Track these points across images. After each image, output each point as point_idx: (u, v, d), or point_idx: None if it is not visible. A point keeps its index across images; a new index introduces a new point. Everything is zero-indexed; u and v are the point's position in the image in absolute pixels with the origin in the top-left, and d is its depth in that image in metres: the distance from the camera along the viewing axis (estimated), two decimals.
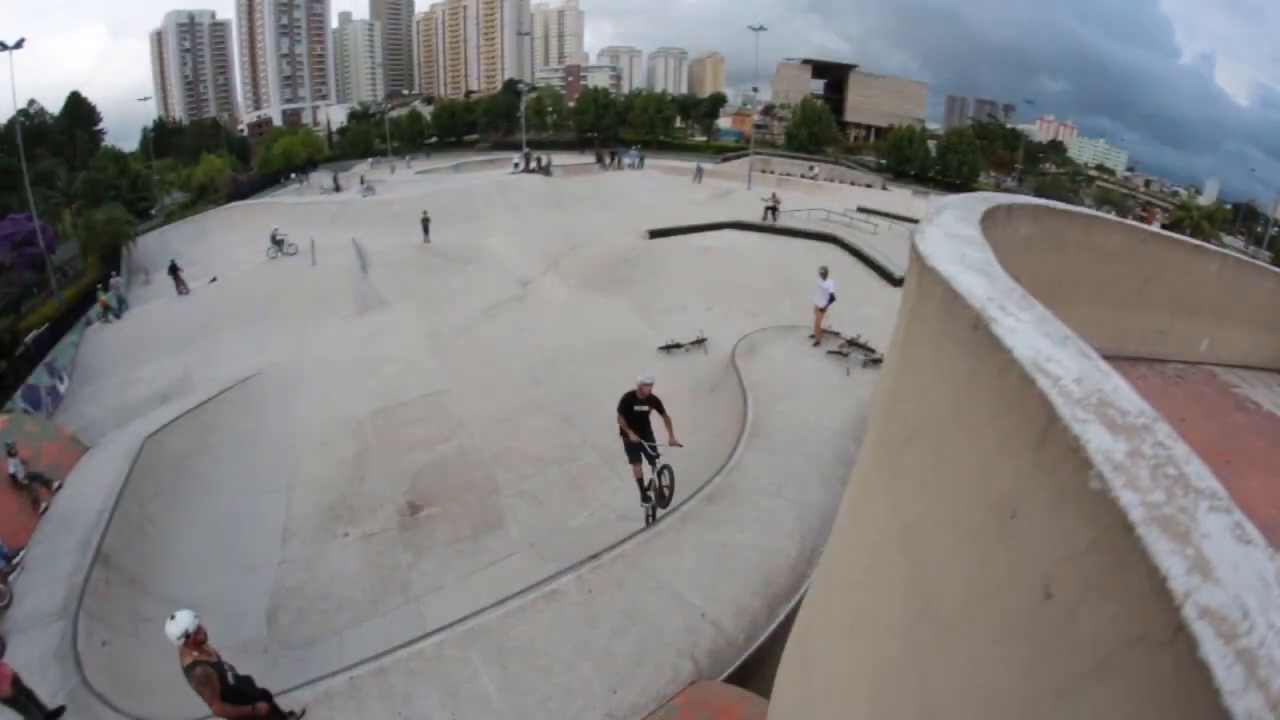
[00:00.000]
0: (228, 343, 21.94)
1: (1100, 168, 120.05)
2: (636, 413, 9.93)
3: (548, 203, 39.91)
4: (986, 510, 1.65)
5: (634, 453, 10.07)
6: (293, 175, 67.02)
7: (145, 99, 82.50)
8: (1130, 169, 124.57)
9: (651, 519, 10.32)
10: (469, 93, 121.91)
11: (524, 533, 12.20)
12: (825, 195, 48.62)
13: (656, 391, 9.95)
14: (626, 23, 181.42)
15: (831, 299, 16.91)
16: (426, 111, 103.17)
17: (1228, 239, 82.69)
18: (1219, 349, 8.68)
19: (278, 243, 31.11)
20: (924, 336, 2.36)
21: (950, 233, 2.76)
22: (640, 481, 10.31)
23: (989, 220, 4.21)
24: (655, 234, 30.97)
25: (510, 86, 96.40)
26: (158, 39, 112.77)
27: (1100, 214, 6.51)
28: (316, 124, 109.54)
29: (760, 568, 8.97)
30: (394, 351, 20.26)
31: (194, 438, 14.86)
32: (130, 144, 75.71)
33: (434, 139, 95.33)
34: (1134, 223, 6.92)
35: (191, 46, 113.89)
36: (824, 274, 17.15)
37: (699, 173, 55.02)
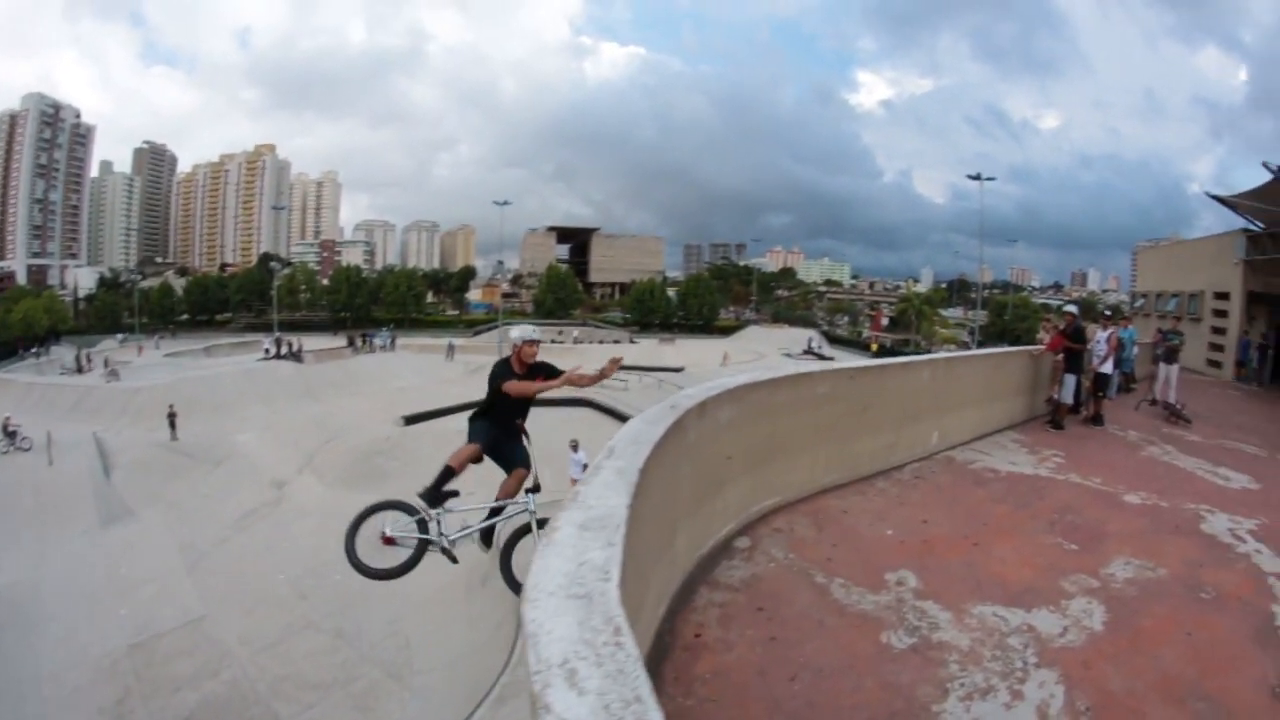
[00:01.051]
0: None
1: (829, 282, 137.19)
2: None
3: (299, 391, 38.76)
4: None
5: (483, 433, 6.35)
6: (34, 349, 62.22)
7: None
8: (855, 277, 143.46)
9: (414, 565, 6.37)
10: (224, 266, 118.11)
11: None
12: (576, 358, 50.20)
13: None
14: (383, 195, 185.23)
15: (585, 470, 17.42)
16: (179, 284, 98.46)
17: (947, 312, 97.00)
18: (951, 435, 9.51)
19: (10, 435, 28.21)
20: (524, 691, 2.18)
21: (588, 519, 2.56)
22: (451, 471, 6.21)
23: (680, 426, 4.51)
24: (410, 420, 30.66)
25: (265, 262, 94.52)
26: None
27: (807, 370, 7.05)
28: (63, 287, 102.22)
29: None
30: (145, 571, 18.36)
31: None
32: None
33: (185, 316, 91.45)
34: (842, 366, 7.79)
35: None
36: (574, 446, 17.78)
37: (451, 350, 56.37)
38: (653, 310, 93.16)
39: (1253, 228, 23.14)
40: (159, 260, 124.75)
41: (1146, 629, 5.13)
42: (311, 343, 56.38)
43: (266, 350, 50.75)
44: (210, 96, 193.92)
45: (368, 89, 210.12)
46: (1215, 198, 23.54)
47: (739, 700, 3.81)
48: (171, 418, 30.30)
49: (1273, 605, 5.65)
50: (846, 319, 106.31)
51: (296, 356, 47.98)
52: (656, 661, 4.05)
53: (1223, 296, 24.22)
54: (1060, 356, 11.94)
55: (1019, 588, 5.51)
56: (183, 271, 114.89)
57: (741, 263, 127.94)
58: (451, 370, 48.66)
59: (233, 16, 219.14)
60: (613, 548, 2.37)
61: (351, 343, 59.14)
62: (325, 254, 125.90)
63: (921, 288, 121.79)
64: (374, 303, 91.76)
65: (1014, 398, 11.90)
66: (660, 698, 3.51)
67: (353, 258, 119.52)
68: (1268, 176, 19.35)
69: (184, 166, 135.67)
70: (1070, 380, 11.88)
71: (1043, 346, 12.56)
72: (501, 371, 6.29)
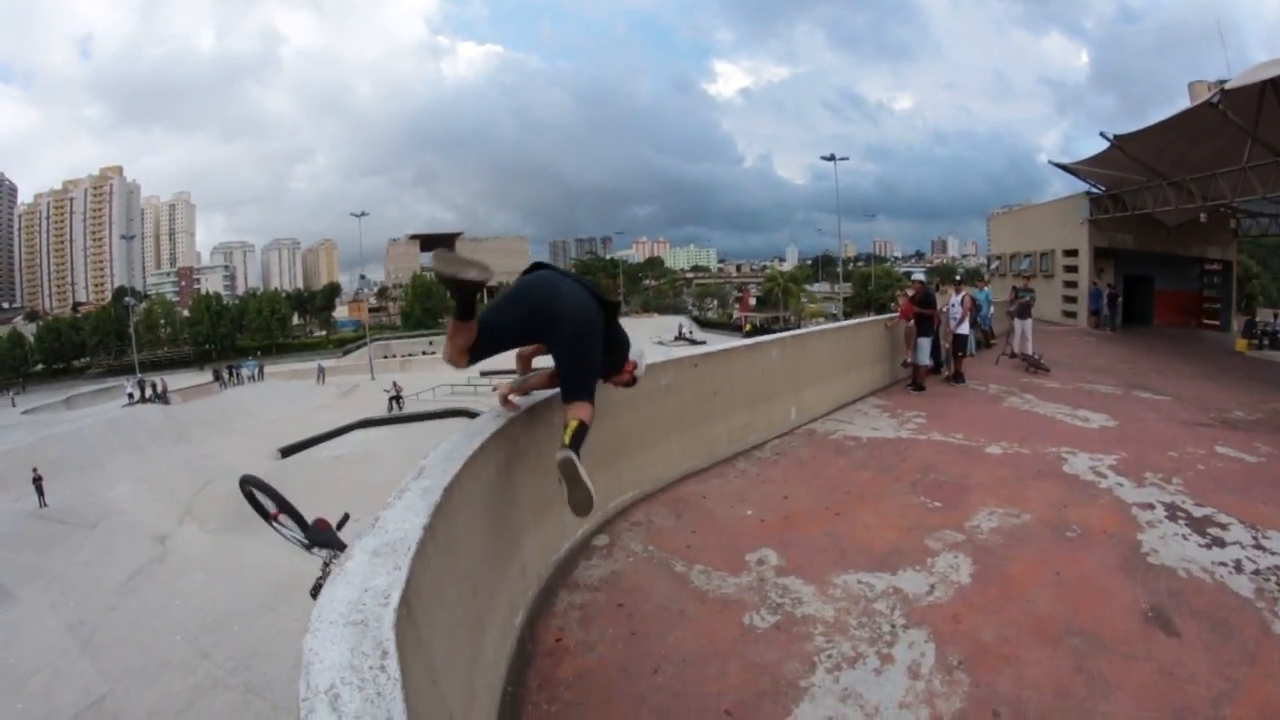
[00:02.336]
0: None
1: (696, 268, 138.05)
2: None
3: (170, 436, 36.46)
4: None
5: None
6: None
7: None
8: (722, 261, 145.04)
9: None
10: (77, 305, 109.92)
11: None
12: (448, 368, 49.72)
13: None
14: (240, 214, 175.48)
15: None
16: (29, 331, 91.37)
17: (813, 287, 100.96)
18: (810, 408, 9.60)
19: None
20: None
21: (381, 544, 2.48)
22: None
23: (505, 436, 4.33)
24: (286, 451, 29.86)
25: (120, 297, 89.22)
26: None
27: (641, 360, 7.25)
28: None
29: None
30: (35, 657, 16.79)
31: None
32: None
33: (40, 366, 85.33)
34: (685, 353, 7.65)
35: None
36: None
37: (321, 373, 55.08)
38: None
39: (1095, 191, 24.63)
40: (6, 306, 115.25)
41: (1015, 575, 5.17)
42: (176, 381, 53.85)
43: (130, 395, 47.96)
44: (50, 114, 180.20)
45: (219, 99, 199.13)
46: (1059, 165, 24.88)
47: (603, 700, 3.68)
48: (37, 482, 27.54)
49: (1138, 534, 5.84)
50: (715, 303, 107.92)
51: (162, 398, 45.75)
52: (520, 670, 3.90)
53: (1072, 254, 25.83)
54: (912, 323, 12.31)
55: (883, 552, 5.49)
56: (32, 316, 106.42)
57: (608, 256, 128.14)
58: (323, 395, 47.33)
59: (73, 22, 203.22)
60: (399, 571, 2.31)
61: (218, 377, 57.06)
62: (183, 283, 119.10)
63: (787, 266, 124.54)
64: (238, 331, 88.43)
65: (872, 366, 12.20)
66: (525, 706, 3.38)
67: (212, 284, 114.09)
68: (1105, 145, 20.67)
69: (25, 196, 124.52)
70: (925, 343, 12.28)
71: (896, 316, 12.93)
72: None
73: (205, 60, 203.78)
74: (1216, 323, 27.76)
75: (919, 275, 14.99)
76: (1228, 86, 15.48)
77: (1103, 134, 20.41)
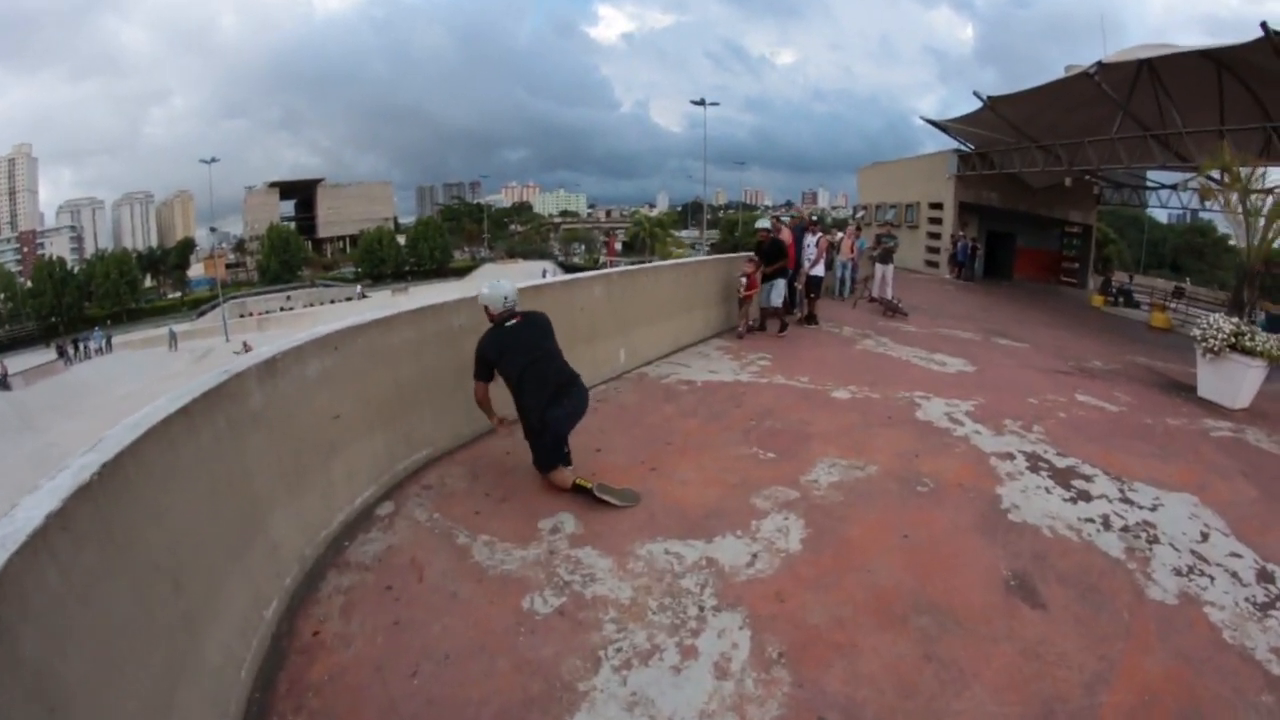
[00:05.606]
0: None
1: (565, 213, 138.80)
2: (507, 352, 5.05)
3: (13, 426, 33.11)
4: None
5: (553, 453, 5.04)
6: None
7: None
8: (592, 205, 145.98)
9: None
10: None
11: None
12: (307, 322, 47.56)
13: None
14: (89, 166, 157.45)
15: None
16: None
17: (681, 233, 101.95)
18: (642, 351, 9.25)
19: None
20: None
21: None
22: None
23: (228, 393, 3.53)
24: None
25: None
26: None
27: (434, 303, 5.95)
28: None
29: None
30: None
31: None
32: None
33: None
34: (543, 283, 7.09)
35: None
36: None
37: (173, 338, 51.70)
38: (383, 260, 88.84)
39: (963, 149, 25.25)
40: None
41: (855, 539, 4.66)
42: (19, 362, 48.73)
43: None
44: None
45: (70, 32, 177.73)
46: (930, 121, 25.43)
47: (351, 708, 3.05)
48: None
49: (997, 488, 5.52)
50: (583, 247, 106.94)
51: (3, 384, 41.64)
52: (271, 672, 3.24)
53: (937, 206, 26.67)
54: (747, 289, 11.19)
55: (700, 514, 4.91)
56: None
57: (475, 201, 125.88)
58: (177, 362, 44.05)
59: None
60: None
61: (63, 353, 51.92)
62: (25, 249, 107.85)
63: (656, 212, 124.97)
64: (86, 299, 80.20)
65: (717, 306, 11.56)
66: (270, 716, 3.04)
67: (58, 248, 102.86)
68: (978, 104, 21.32)
69: None
70: (779, 284, 11.36)
71: (745, 290, 11.41)
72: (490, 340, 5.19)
73: None
74: (1075, 280, 29.57)
75: (763, 222, 13.82)
76: (1105, 60, 16.78)
77: (976, 94, 21.05)
